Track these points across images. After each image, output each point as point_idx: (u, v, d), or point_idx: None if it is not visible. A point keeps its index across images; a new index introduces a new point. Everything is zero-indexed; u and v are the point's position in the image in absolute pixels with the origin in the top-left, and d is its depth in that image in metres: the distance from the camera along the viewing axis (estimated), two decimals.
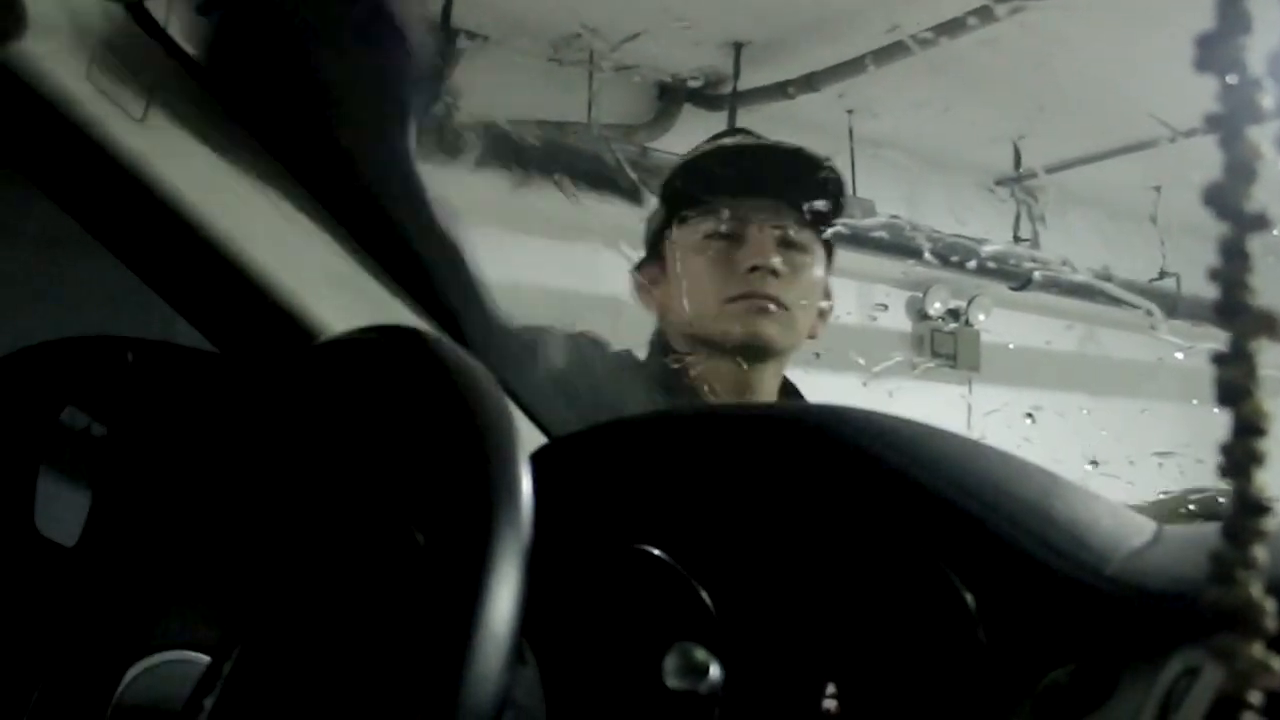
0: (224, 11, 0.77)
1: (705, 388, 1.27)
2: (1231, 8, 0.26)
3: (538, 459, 0.61)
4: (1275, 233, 0.27)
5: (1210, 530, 0.27)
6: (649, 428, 0.73)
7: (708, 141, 1.41)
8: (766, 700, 0.62)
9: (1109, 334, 4.67)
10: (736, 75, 3.56)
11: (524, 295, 0.97)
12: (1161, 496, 1.09)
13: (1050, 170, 4.11)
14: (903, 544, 0.58)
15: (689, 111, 3.69)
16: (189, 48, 0.76)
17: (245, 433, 0.68)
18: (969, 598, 0.54)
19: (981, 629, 0.54)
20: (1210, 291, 0.26)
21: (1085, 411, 3.79)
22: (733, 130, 1.47)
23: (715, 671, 0.62)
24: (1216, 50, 0.26)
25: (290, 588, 0.58)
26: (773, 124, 1.43)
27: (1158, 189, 4.11)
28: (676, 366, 1.29)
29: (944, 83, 3.38)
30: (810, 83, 3.51)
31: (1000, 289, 4.40)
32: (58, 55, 0.68)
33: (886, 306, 4.29)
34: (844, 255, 1.41)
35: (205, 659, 0.65)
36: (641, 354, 1.35)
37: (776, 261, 1.27)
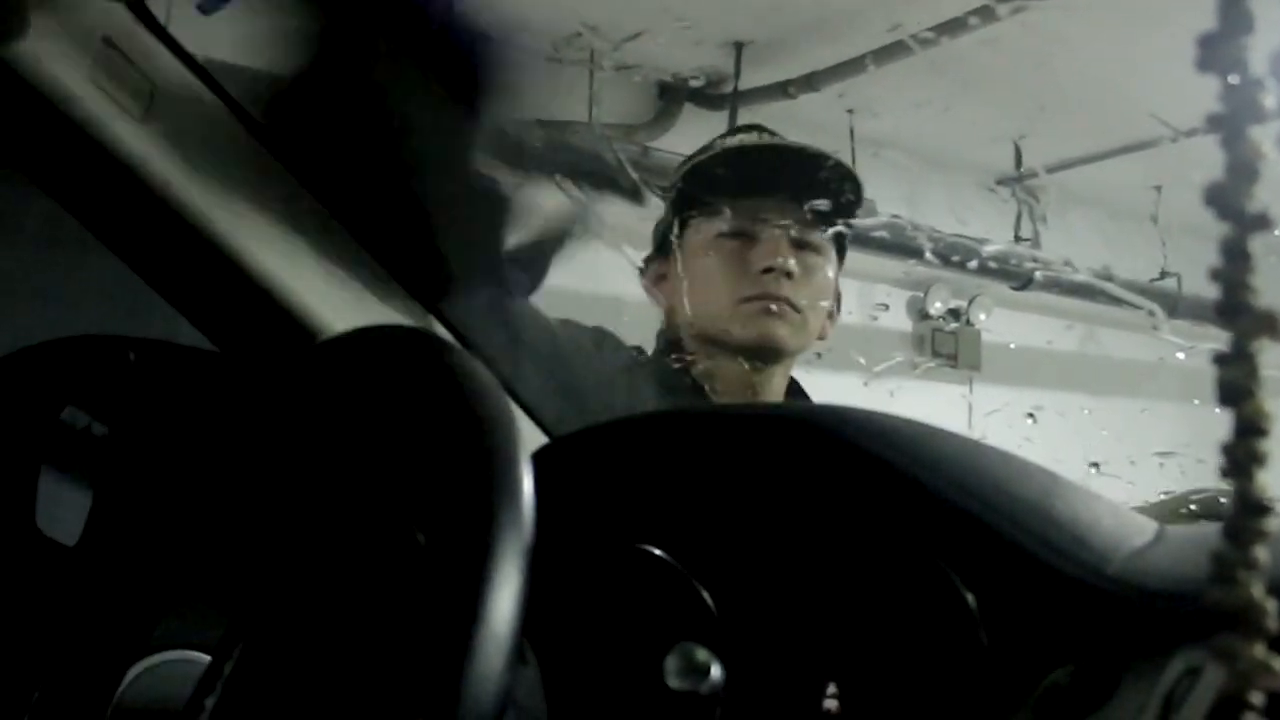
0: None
1: (713, 388, 1.27)
2: (1233, 7, 0.26)
3: (539, 458, 0.61)
4: (1277, 233, 0.27)
5: (1211, 530, 0.27)
6: (650, 427, 0.73)
7: (720, 137, 1.39)
8: (768, 700, 0.62)
9: (1110, 334, 4.67)
10: (737, 75, 3.56)
11: None
12: (1163, 497, 1.09)
13: (1051, 170, 4.11)
14: (904, 544, 0.57)
15: (690, 111, 3.69)
16: (189, 47, 0.76)
17: (246, 432, 0.68)
18: (970, 598, 0.54)
19: (982, 629, 0.54)
20: (1211, 291, 0.26)
21: (1086, 411, 3.80)
22: (747, 126, 1.45)
23: (716, 672, 0.61)
24: (1218, 50, 0.26)
25: (291, 588, 0.58)
26: (773, 124, 1.42)
27: (1159, 189, 4.12)
28: (678, 366, 1.28)
29: (944, 82, 3.38)
30: (811, 82, 3.50)
31: (1001, 289, 4.39)
32: (59, 54, 0.68)
33: (887, 306, 4.28)
34: (845, 255, 1.40)
35: (206, 659, 0.64)
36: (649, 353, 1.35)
37: (791, 263, 1.26)
